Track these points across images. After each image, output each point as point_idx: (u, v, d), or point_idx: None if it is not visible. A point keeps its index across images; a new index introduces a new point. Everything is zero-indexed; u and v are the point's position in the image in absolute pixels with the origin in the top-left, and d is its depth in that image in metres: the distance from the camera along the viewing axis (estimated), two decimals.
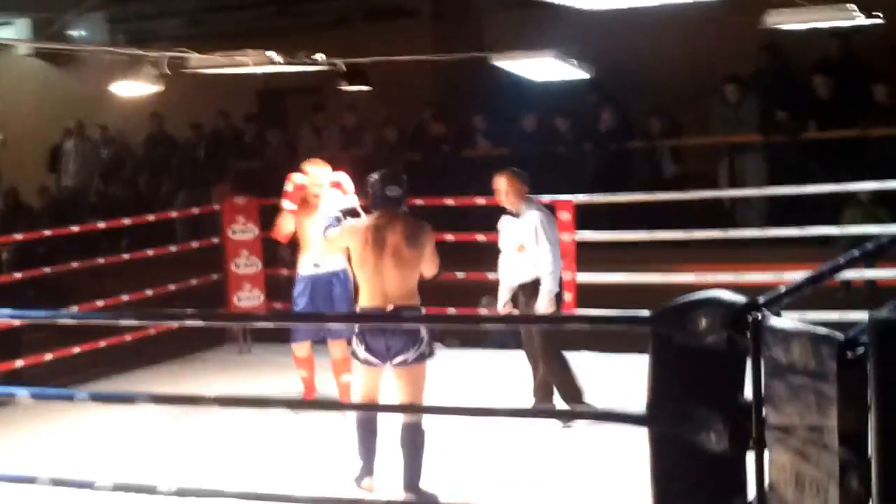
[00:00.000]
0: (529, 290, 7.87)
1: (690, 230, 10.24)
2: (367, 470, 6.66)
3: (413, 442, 6.42)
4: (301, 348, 8.52)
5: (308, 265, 8.39)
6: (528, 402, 7.99)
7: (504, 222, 8.06)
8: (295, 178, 8.26)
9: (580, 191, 10.21)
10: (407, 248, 6.50)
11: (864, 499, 2.92)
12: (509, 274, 8.02)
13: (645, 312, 3.67)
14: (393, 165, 7.88)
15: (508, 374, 8.80)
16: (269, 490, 4.74)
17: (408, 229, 6.54)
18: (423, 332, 6.43)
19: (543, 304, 7.68)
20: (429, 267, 6.65)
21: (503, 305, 8.14)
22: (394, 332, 6.37)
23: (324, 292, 8.33)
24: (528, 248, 7.81)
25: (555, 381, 7.84)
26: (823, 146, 12.04)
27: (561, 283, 8.02)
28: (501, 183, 7.98)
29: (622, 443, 6.87)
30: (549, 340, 7.76)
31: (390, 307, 6.46)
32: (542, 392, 7.98)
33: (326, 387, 8.94)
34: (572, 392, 7.81)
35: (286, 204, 8.25)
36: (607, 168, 12.96)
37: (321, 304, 8.28)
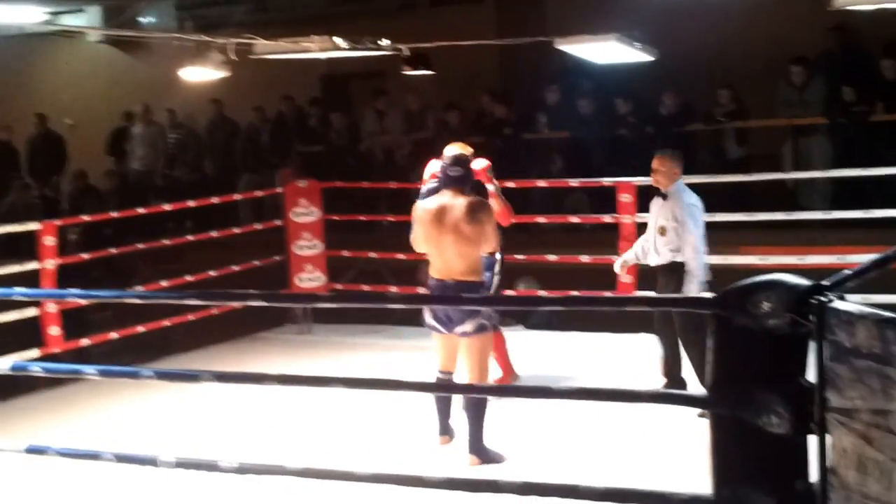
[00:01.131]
0: (666, 272, 7.77)
1: (754, 212, 10.18)
2: (443, 429, 7.15)
3: (476, 406, 6.76)
4: None
5: None
6: (658, 383, 7.96)
7: (653, 202, 8.00)
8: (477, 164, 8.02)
9: (643, 174, 10.15)
10: (467, 224, 6.75)
11: None
12: (647, 253, 7.99)
13: (708, 295, 3.65)
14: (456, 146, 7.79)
15: (568, 353, 8.80)
16: (329, 467, 4.77)
17: (468, 207, 6.78)
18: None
19: (692, 291, 7.56)
20: (487, 244, 6.88)
21: (619, 267, 8.42)
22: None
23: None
24: (669, 230, 7.68)
25: (692, 361, 7.70)
26: (890, 128, 11.89)
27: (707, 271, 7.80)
28: (655, 163, 7.87)
29: (684, 425, 6.87)
30: (686, 324, 7.61)
31: (451, 281, 6.81)
32: (669, 375, 7.97)
33: (382, 368, 9.01)
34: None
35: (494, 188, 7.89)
36: (671, 150, 12.87)
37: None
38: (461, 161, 7.02)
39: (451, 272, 6.83)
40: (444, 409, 7.15)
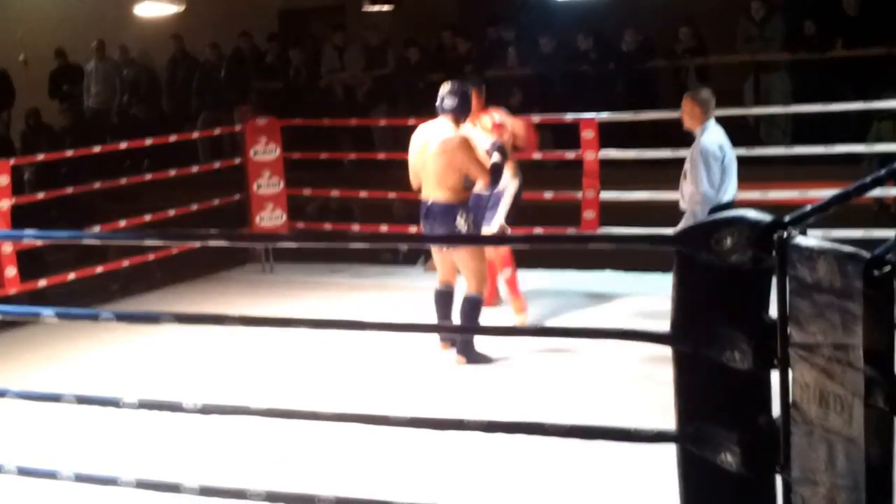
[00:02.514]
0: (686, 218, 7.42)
1: None
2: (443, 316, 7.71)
3: (469, 308, 7.42)
4: None
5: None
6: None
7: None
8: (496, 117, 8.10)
9: (605, 109, 10.13)
10: (439, 153, 7.35)
11: (888, 416, 2.91)
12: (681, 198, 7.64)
13: (669, 231, 3.64)
14: (469, 78, 8.08)
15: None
16: (292, 407, 4.76)
17: (444, 137, 7.34)
18: (460, 219, 7.35)
19: None
20: (475, 172, 7.34)
21: None
22: (432, 221, 7.44)
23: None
24: (687, 174, 7.37)
25: None
26: (850, 64, 11.89)
27: None
28: (682, 104, 7.61)
29: (647, 362, 6.91)
30: None
31: (429, 202, 7.44)
32: None
33: (344, 308, 9.00)
34: None
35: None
36: (632, 87, 12.88)
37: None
38: (457, 92, 7.51)
39: (431, 194, 7.41)
40: (444, 316, 7.66)
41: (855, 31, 11.90)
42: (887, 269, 2.88)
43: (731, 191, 7.30)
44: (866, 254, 2.93)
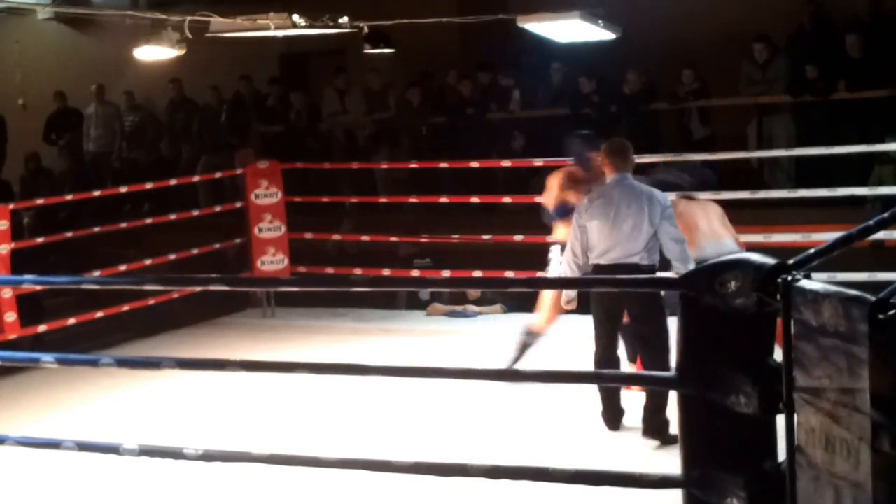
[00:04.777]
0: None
1: (719, 191, 10.17)
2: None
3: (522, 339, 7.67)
4: None
5: None
6: None
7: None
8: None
9: None
10: None
11: (895, 460, 2.87)
12: None
13: (675, 275, 3.62)
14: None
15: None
16: (295, 453, 4.72)
17: None
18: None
19: None
20: None
21: None
22: None
23: None
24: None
25: None
26: (853, 106, 11.90)
27: None
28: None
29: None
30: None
31: None
32: None
33: (353, 352, 8.96)
34: None
35: None
36: (635, 129, 12.87)
37: None
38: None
39: None
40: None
41: (858, 74, 11.91)
42: (892, 312, 2.86)
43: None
44: (871, 297, 2.91)
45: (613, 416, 7.00)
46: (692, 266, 6.80)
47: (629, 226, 6.74)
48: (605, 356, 6.93)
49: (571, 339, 8.70)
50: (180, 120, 16.10)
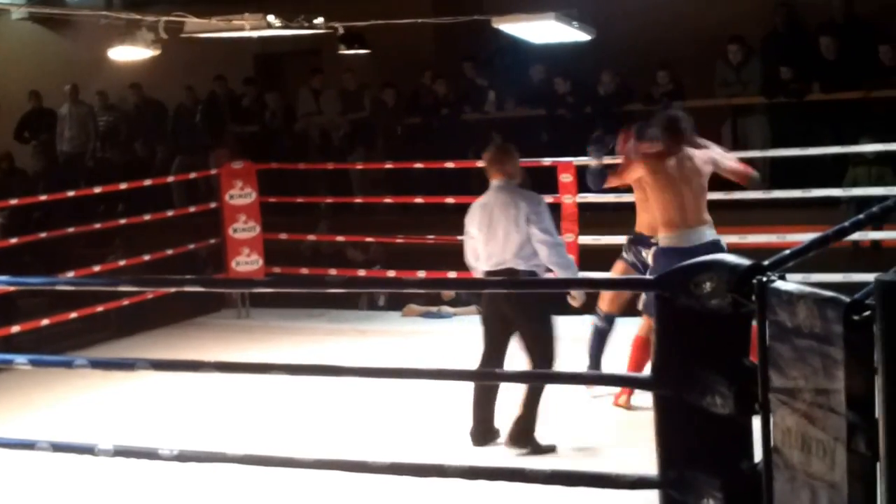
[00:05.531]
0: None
1: None
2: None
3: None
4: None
5: None
6: None
7: None
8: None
9: (583, 153, 10.12)
10: None
11: (871, 461, 2.88)
12: None
13: (650, 276, 3.62)
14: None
15: None
16: (270, 453, 4.70)
17: None
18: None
19: None
20: None
21: None
22: None
23: None
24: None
25: None
26: (827, 108, 11.95)
27: None
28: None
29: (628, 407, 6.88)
30: None
31: None
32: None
33: (328, 353, 8.95)
34: None
35: None
36: (610, 131, 12.88)
37: None
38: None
39: None
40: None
41: (832, 75, 11.97)
42: (867, 313, 2.86)
43: None
44: (846, 298, 2.91)
45: (483, 431, 6.83)
46: (573, 271, 6.87)
47: (502, 232, 6.73)
48: (488, 365, 6.80)
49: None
50: (147, 122, 16.05)
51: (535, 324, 6.67)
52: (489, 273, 6.78)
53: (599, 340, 7.83)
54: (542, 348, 6.64)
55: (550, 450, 6.59)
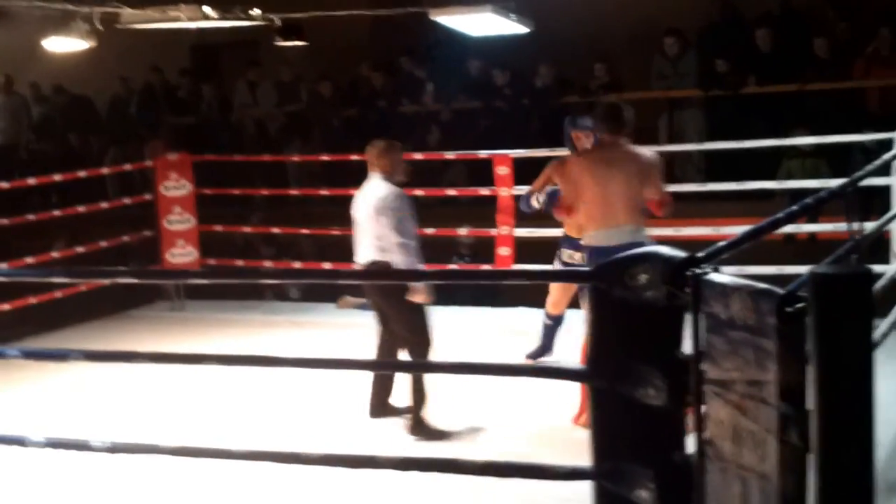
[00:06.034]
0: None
1: None
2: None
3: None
4: None
5: None
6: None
7: None
8: None
9: (519, 146, 10.15)
10: None
11: (802, 452, 2.90)
12: None
13: (585, 268, 3.63)
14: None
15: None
16: (204, 445, 4.67)
17: None
18: None
19: None
20: None
21: None
22: None
23: None
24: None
25: None
26: (762, 101, 12.05)
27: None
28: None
29: (564, 397, 6.89)
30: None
31: None
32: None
33: (264, 345, 8.91)
34: None
35: None
36: (547, 123, 12.93)
37: None
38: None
39: None
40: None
41: (767, 68, 12.06)
42: (800, 305, 2.88)
43: None
44: (779, 290, 2.93)
45: (376, 404, 7.13)
46: (417, 263, 6.91)
47: (365, 224, 6.96)
48: (381, 350, 7.09)
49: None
50: (89, 111, 15.90)
51: (405, 314, 6.85)
52: (358, 264, 7.02)
53: (548, 336, 8.00)
54: (414, 337, 6.83)
55: (445, 435, 6.74)
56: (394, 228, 6.79)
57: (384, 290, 6.86)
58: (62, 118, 16.29)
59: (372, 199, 6.92)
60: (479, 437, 6.71)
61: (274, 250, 12.26)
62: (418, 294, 6.82)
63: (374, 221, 6.86)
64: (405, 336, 6.89)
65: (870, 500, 2.88)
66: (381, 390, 7.11)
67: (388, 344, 7.05)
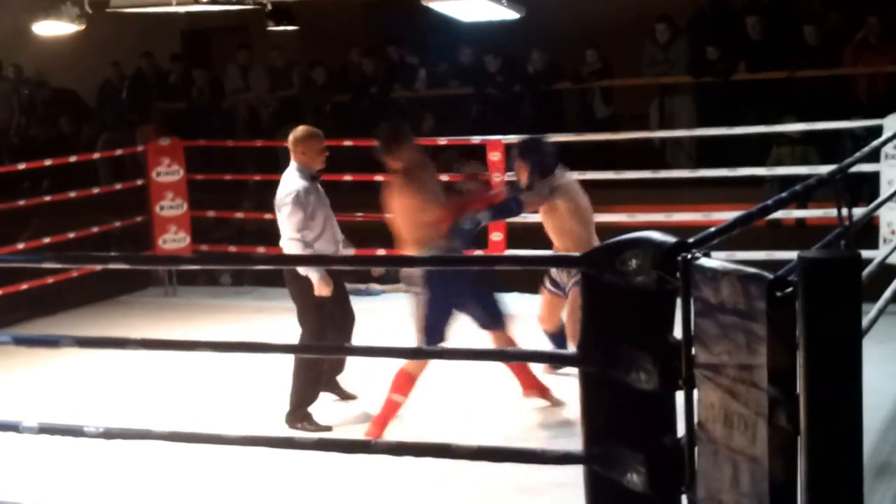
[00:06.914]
0: None
1: (621, 171, 10.27)
2: None
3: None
4: None
5: None
6: None
7: None
8: None
9: (511, 131, 10.15)
10: None
11: (792, 435, 2.92)
12: None
13: (576, 253, 3.64)
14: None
15: None
16: (197, 430, 4.69)
17: None
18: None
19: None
20: None
21: None
22: None
23: None
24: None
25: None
26: (753, 87, 12.07)
27: None
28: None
29: (556, 383, 6.92)
30: None
31: None
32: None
33: (256, 331, 8.91)
34: None
35: None
36: (539, 109, 12.94)
37: None
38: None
39: None
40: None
41: (758, 55, 12.08)
42: (789, 290, 2.90)
43: None
44: (769, 275, 2.95)
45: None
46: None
47: None
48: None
49: None
50: (81, 96, 15.88)
51: (298, 300, 6.99)
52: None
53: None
54: (303, 325, 6.95)
55: (327, 429, 6.75)
56: (284, 223, 6.93)
57: (287, 277, 7.02)
58: (52, 102, 16.26)
59: (278, 189, 7.08)
60: (472, 423, 6.73)
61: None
62: (317, 287, 6.85)
63: (277, 211, 7.01)
64: (300, 322, 6.98)
65: (858, 483, 2.91)
66: (329, 368, 7.22)
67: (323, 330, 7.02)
